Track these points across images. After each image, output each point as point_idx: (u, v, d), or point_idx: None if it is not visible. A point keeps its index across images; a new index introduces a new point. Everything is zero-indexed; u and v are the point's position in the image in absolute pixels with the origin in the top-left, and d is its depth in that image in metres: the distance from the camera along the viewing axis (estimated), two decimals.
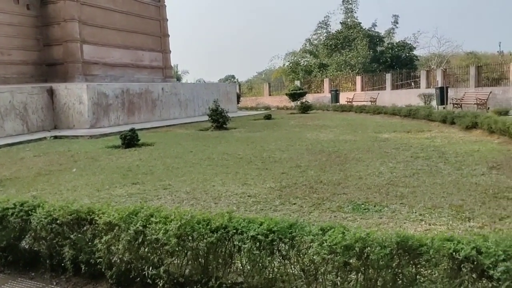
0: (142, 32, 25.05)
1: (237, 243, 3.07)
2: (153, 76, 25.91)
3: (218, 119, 17.11)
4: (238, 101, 32.47)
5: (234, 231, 3.11)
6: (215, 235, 3.11)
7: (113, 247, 3.40)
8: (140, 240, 3.32)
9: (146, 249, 3.33)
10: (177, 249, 3.21)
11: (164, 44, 27.22)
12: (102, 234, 3.47)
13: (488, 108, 19.82)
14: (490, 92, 21.57)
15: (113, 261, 3.41)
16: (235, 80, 60.06)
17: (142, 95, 21.24)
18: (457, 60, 44.97)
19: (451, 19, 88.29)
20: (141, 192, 6.82)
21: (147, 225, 3.32)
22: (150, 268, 3.29)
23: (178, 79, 46.92)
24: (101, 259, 3.46)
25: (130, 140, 12.17)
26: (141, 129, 15.46)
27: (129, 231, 3.33)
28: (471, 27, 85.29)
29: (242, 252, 3.09)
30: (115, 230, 3.41)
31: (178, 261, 3.30)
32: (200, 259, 3.23)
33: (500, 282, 2.41)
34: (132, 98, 20.58)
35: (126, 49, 23.96)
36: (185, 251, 3.23)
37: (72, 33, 20.65)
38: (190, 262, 3.27)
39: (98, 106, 18.47)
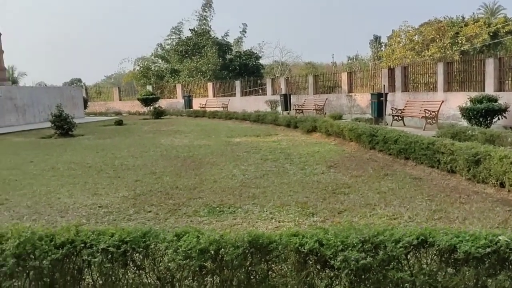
0: None
1: (86, 257, 2.89)
2: None
3: (63, 126, 15.91)
4: (85, 106, 30.60)
5: (83, 245, 2.92)
6: (61, 251, 2.89)
7: None
8: None
9: None
10: (16, 270, 2.89)
11: None
12: None
13: (325, 113, 21.84)
14: (326, 99, 23.84)
15: None
16: (82, 84, 56.27)
17: None
18: (298, 69, 48.87)
19: (291, 31, 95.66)
20: None
21: None
22: None
23: (14, 82, 42.30)
24: None
25: None
26: None
27: None
28: (309, 39, 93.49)
29: (92, 267, 2.92)
30: None
31: (19, 283, 2.97)
32: (45, 279, 2.95)
33: (340, 271, 2.67)
34: None
35: None
36: (27, 271, 2.93)
37: None
38: (33, 283, 2.97)
39: None
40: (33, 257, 2.89)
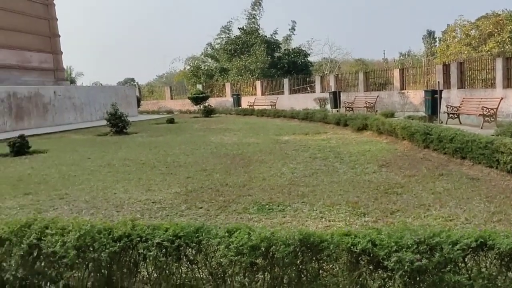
0: (28, 32, 23.27)
1: (142, 251, 2.98)
2: (43, 79, 24.18)
3: (118, 124, 16.49)
4: (138, 105, 31.54)
5: (138, 239, 3.02)
6: (118, 244, 3.00)
7: (4, 264, 3.13)
8: (35, 254, 3.09)
9: (42, 264, 3.11)
10: (77, 261, 3.04)
11: (54, 44, 25.55)
12: None
13: (376, 111, 21.40)
14: (378, 96, 23.34)
15: (5, 278, 3.13)
16: (135, 83, 58.22)
17: (31, 99, 19.75)
18: (347, 66, 48.09)
19: (341, 27, 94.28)
20: (34, 203, 6.32)
21: (42, 238, 3.10)
22: (48, 283, 3.07)
23: (72, 81, 44.31)
24: None
25: (19, 148, 11.27)
26: (32, 136, 14.39)
27: (22, 245, 3.08)
28: (359, 36, 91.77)
29: (147, 260, 3.01)
30: (5, 245, 3.13)
31: (79, 274, 3.12)
32: (103, 270, 3.08)
33: (394, 272, 2.61)
34: (20, 102, 19.04)
35: (10, 49, 22.09)
36: (86, 263, 3.07)
37: None
38: (92, 274, 3.11)
39: None
40: (92, 249, 3.02)
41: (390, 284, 2.69)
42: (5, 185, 7.57)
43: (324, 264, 2.87)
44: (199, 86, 36.23)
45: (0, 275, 3.14)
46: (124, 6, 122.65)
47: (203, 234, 2.99)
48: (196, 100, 29.59)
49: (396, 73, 24.55)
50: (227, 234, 2.97)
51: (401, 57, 49.09)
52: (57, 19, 25.74)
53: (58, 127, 19.53)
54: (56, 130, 18.40)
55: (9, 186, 7.52)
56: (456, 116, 15.55)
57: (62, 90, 22.35)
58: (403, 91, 23.41)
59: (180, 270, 3.02)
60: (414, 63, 37.04)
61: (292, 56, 40.25)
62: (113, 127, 16.54)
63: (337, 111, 21.60)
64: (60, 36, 25.97)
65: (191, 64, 44.29)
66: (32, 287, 3.12)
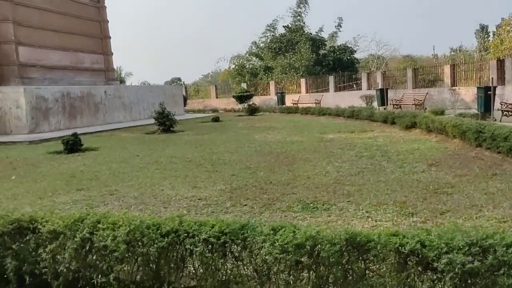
0: (81, 34, 24.22)
1: (189, 246, 3.04)
2: (95, 79, 25.11)
3: (165, 122, 16.86)
4: (184, 104, 32.14)
5: (186, 234, 3.07)
6: (166, 239, 3.06)
7: (58, 256, 3.26)
8: (87, 247, 3.20)
9: (94, 257, 3.22)
10: (126, 255, 3.13)
11: (105, 45, 26.46)
12: (47, 243, 3.32)
13: (426, 108, 20.78)
14: (427, 93, 22.65)
15: (59, 270, 3.27)
16: (181, 82, 59.41)
17: (84, 98, 20.54)
18: (395, 63, 46.91)
19: (388, 23, 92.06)
20: (86, 198, 6.59)
21: (94, 232, 3.22)
22: (99, 276, 3.18)
23: (122, 81, 45.76)
24: (47, 269, 3.31)
25: (72, 145, 11.74)
26: (84, 134, 14.96)
27: (75, 239, 3.21)
28: (407, 31, 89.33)
29: (194, 256, 3.06)
30: (60, 239, 3.27)
31: (129, 268, 3.21)
32: (151, 265, 3.16)
33: (444, 274, 2.53)
34: (74, 101, 19.85)
35: (65, 51, 23.07)
36: (135, 257, 3.16)
37: (6, 34, 19.62)
38: (141, 268, 3.20)
39: (37, 110, 17.67)
40: (141, 244, 3.10)
41: (440, 286, 2.61)
42: (59, 181, 7.93)
43: (370, 264, 2.82)
44: (244, 85, 36.48)
45: (55, 267, 3.28)
46: (171, 8, 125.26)
47: (248, 231, 3.01)
48: (241, 98, 29.81)
49: (447, 69, 23.74)
50: (272, 231, 2.97)
51: (452, 53, 47.42)
52: (108, 21, 26.66)
53: (109, 126, 20.22)
54: (107, 128, 19.06)
55: (63, 182, 7.87)
56: (511, 114, 14.84)
57: (112, 90, 23.12)
58: (454, 88, 22.60)
59: (225, 266, 3.05)
60: (466, 59, 35.63)
61: (338, 53, 39.79)
62: (160, 126, 16.93)
63: (384, 108, 21.14)
64: (110, 37, 26.87)
65: (235, 63, 44.72)
66: (84, 279, 3.24)
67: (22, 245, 3.42)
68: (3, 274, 3.48)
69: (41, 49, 21.51)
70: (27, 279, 3.41)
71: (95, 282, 3.17)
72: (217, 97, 38.86)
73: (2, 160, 10.79)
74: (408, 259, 2.68)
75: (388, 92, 23.59)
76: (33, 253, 3.38)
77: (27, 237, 3.43)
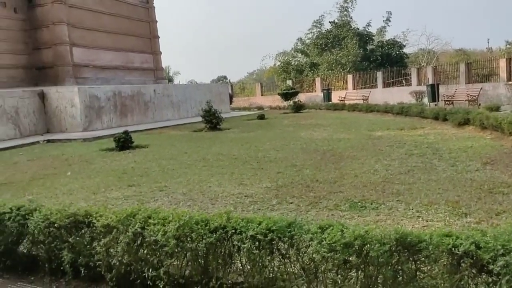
0: (131, 34, 24.98)
1: (237, 243, 3.07)
2: (144, 78, 25.83)
3: (212, 120, 17.10)
4: (230, 102, 32.42)
5: (233, 231, 3.10)
6: (214, 235, 3.11)
7: (112, 250, 3.39)
8: (138, 242, 3.31)
9: (145, 251, 3.32)
10: (176, 250, 3.21)
11: (154, 45, 27.17)
12: (101, 236, 3.46)
13: (480, 104, 19.95)
14: (481, 88, 21.72)
15: (112, 263, 3.40)
16: (227, 80, 59.99)
17: (134, 97, 21.17)
18: (447, 57, 45.22)
19: (439, 16, 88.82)
20: (137, 194, 6.80)
21: (146, 227, 3.31)
22: (150, 269, 3.27)
23: (170, 80, 46.80)
24: (100, 262, 3.45)
25: (124, 143, 12.13)
26: (135, 131, 15.42)
27: (127, 233, 3.32)
28: (459, 24, 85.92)
29: (241, 252, 3.09)
30: (113, 233, 3.39)
31: (178, 262, 3.29)
32: (199, 260, 3.22)
33: (500, 277, 2.42)
34: (124, 100, 20.50)
35: (116, 51, 23.87)
36: (185, 252, 3.22)
37: (61, 36, 20.54)
38: (189, 263, 3.26)
39: (90, 109, 18.39)
40: (190, 239, 3.17)
41: None
42: (112, 177, 8.22)
43: (421, 266, 2.74)
44: (289, 82, 36.33)
45: (108, 260, 3.41)
46: (217, 7, 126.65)
47: (295, 229, 3.00)
48: (286, 96, 29.72)
49: (502, 63, 22.64)
50: (319, 230, 2.94)
51: (508, 46, 45.07)
52: (156, 21, 27.33)
53: (158, 123, 20.74)
54: (156, 126, 19.55)
55: (115, 178, 8.16)
56: None
57: (161, 89, 23.68)
58: (510, 82, 21.52)
59: (272, 264, 3.06)
60: None
61: (386, 48, 38.84)
62: (207, 123, 17.19)
63: (435, 104, 20.47)
64: (159, 37, 27.54)
65: (281, 60, 44.58)
66: (135, 272, 3.35)
67: (77, 238, 3.58)
68: (59, 265, 3.66)
69: (94, 49, 22.38)
70: (82, 271, 3.56)
71: (146, 276, 3.27)
72: (262, 95, 38.93)
73: (59, 157, 11.32)
74: (461, 260, 2.58)
75: (440, 87, 22.80)
76: (88, 246, 3.53)
77: (83, 231, 3.59)
